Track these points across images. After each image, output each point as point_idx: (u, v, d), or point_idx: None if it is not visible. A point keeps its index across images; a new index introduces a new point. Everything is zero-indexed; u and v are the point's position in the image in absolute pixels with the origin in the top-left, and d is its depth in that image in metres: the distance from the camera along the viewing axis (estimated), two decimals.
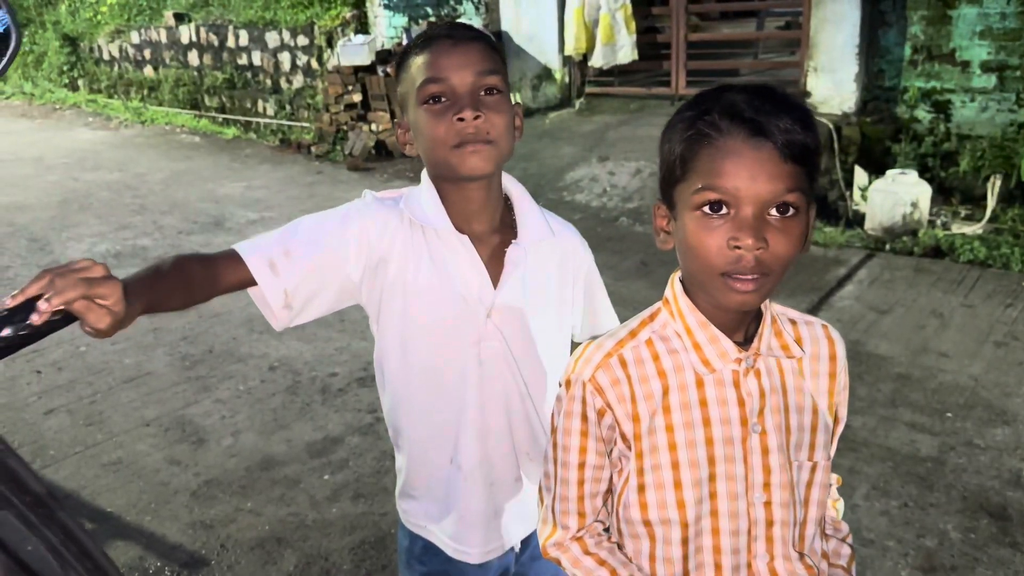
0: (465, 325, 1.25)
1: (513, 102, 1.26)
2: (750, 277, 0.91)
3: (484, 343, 1.25)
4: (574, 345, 1.37)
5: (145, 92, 11.32)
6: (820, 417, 1.04)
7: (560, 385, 1.05)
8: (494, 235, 1.27)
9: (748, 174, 0.89)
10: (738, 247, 0.90)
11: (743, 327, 1.01)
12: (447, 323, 1.25)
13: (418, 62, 1.20)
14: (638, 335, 1.02)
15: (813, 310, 3.97)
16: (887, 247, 4.90)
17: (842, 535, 1.15)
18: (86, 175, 7.77)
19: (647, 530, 1.02)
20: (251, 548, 2.57)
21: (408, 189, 1.30)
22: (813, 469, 1.03)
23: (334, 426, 3.23)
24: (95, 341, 4.04)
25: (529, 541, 1.40)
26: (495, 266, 1.26)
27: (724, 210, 0.91)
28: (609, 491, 1.06)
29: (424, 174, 1.29)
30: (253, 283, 1.17)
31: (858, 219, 5.33)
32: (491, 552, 1.35)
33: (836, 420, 1.07)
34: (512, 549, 1.38)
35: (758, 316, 1.02)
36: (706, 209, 0.91)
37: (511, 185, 1.32)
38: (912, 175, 5.16)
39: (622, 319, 1.12)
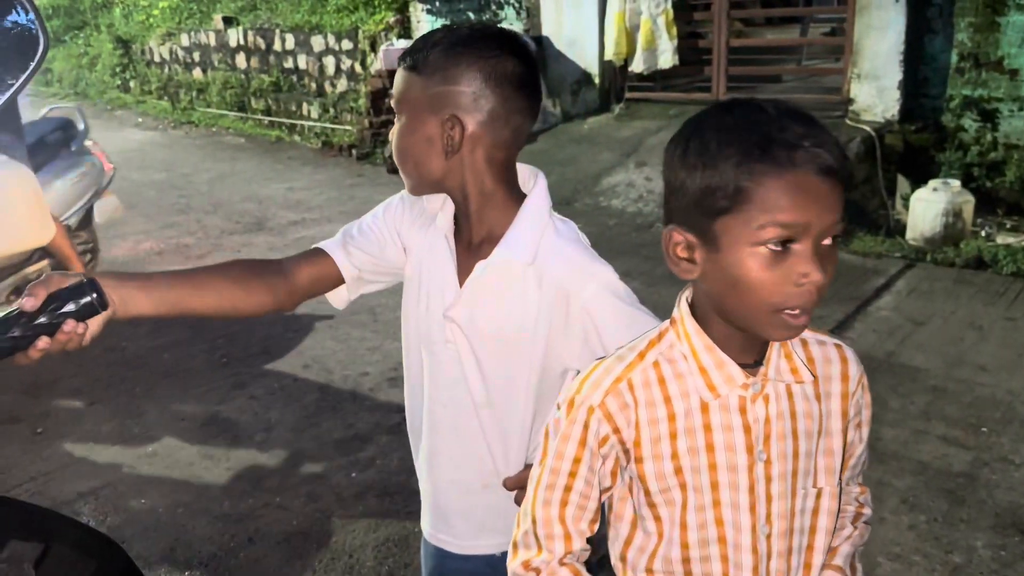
0: (427, 324, 1.29)
1: (447, 113, 1.15)
2: (804, 310, 0.88)
3: (438, 345, 1.28)
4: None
5: (194, 94, 11.58)
6: (829, 441, 1.01)
7: (558, 407, 1.00)
8: (484, 246, 1.23)
9: (820, 207, 0.84)
10: (804, 282, 0.86)
11: (753, 350, 0.97)
12: (414, 318, 1.32)
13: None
14: (646, 356, 0.99)
15: (849, 320, 3.91)
16: (928, 257, 4.81)
17: (855, 506, 1.11)
18: (133, 174, 7.95)
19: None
20: (278, 542, 2.63)
21: None
22: (818, 496, 1.00)
23: (363, 425, 3.28)
24: (136, 337, 4.15)
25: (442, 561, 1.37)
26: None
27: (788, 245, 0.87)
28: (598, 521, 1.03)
29: None
30: (329, 272, 1.31)
31: (899, 229, 5.24)
32: (435, 537, 1.38)
33: (849, 442, 1.03)
34: (447, 553, 1.36)
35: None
36: (772, 245, 0.86)
37: (529, 202, 1.22)
38: (956, 184, 5.06)
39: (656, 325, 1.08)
